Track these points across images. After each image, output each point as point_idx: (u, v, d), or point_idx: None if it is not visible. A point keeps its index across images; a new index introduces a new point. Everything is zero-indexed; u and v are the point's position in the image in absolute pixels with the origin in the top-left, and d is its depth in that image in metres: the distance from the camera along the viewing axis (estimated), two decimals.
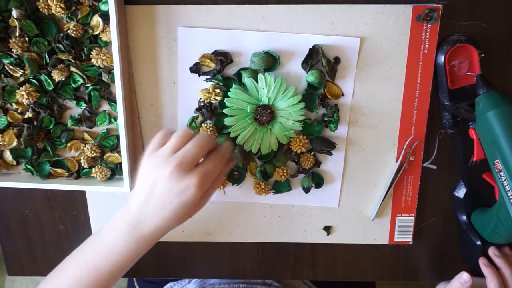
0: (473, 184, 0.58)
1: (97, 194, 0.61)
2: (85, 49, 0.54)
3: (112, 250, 0.49)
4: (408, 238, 0.62)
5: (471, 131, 0.55)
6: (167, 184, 0.46)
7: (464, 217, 0.60)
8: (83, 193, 0.62)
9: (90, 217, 0.62)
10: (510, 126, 0.48)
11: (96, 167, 0.58)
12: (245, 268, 0.65)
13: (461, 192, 0.60)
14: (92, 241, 0.51)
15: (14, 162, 0.59)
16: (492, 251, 0.58)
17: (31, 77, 0.56)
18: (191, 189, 0.46)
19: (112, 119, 0.58)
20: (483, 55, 0.54)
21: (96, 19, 0.53)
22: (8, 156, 0.59)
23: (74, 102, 0.57)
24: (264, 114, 0.54)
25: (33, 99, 0.55)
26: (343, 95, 0.56)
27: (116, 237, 0.49)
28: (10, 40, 0.53)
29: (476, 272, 0.58)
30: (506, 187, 0.49)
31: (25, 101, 0.55)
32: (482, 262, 0.57)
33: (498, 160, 0.49)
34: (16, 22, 0.52)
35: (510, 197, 0.49)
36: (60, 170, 0.59)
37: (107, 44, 0.54)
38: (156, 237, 0.49)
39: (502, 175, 0.50)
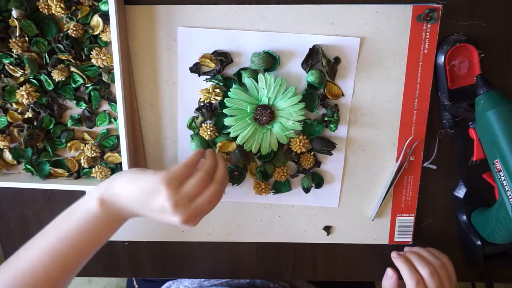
0: (473, 184, 0.59)
1: None
2: (85, 49, 0.54)
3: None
4: (408, 238, 0.62)
5: (471, 131, 0.55)
6: (165, 215, 0.46)
7: (464, 217, 0.60)
8: (83, 193, 0.62)
9: None
10: (510, 126, 0.48)
11: (96, 167, 0.58)
12: (245, 268, 0.65)
13: (461, 192, 0.60)
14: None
15: (14, 162, 0.59)
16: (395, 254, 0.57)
17: (31, 77, 0.56)
18: (185, 227, 0.47)
19: (112, 119, 0.58)
20: (483, 55, 0.54)
21: (96, 19, 0.53)
22: (8, 156, 0.59)
23: (74, 102, 0.57)
24: (264, 114, 0.54)
25: (33, 99, 0.55)
26: (343, 95, 0.56)
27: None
28: (10, 40, 0.53)
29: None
30: (506, 187, 0.49)
31: (25, 101, 0.55)
32: (393, 255, 0.57)
33: (497, 160, 0.49)
34: (16, 22, 0.52)
35: (510, 197, 0.49)
36: (60, 170, 0.59)
37: (107, 44, 0.54)
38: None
39: (502, 175, 0.50)
